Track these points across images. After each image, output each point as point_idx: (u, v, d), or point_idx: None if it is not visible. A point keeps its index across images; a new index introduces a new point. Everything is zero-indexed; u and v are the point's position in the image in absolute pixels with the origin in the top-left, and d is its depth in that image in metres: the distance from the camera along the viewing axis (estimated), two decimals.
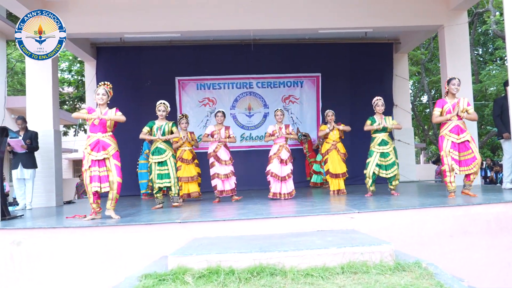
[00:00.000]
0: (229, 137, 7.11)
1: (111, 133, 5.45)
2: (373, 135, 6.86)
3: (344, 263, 3.42)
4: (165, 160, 6.37)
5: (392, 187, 6.87)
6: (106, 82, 5.57)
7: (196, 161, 7.76)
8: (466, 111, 6.00)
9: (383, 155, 6.74)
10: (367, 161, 6.82)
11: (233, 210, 5.76)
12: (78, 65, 17.35)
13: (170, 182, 6.38)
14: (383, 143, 6.74)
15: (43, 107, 8.07)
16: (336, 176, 7.52)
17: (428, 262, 3.44)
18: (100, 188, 5.26)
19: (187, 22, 8.63)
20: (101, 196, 5.41)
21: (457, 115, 5.94)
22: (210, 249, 3.76)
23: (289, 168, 7.09)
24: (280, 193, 7.02)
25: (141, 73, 10.90)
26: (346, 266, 3.35)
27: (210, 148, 7.10)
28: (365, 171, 6.84)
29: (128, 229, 4.71)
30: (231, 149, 7.37)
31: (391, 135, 6.83)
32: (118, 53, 10.91)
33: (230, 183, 7.05)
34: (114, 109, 5.50)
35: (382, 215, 4.89)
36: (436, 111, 6.11)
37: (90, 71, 11.02)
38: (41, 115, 8.05)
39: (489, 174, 14.68)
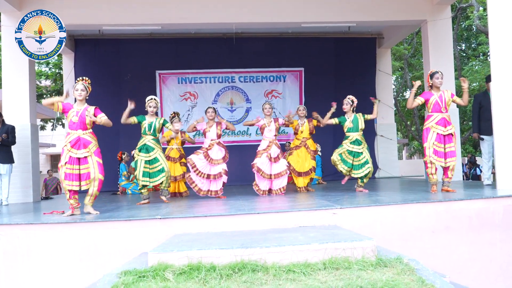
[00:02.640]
0: (226, 128, 6.96)
1: (91, 130, 5.36)
2: (347, 134, 6.79)
3: (326, 259, 3.41)
4: (156, 157, 6.26)
5: (362, 184, 6.79)
6: (84, 78, 5.43)
7: (183, 160, 7.59)
8: (453, 101, 6.07)
9: (357, 155, 6.68)
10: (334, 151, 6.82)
11: (214, 206, 5.70)
12: (56, 57, 17.00)
13: (164, 176, 6.23)
14: (356, 142, 6.68)
15: (19, 100, 7.90)
16: (299, 174, 7.34)
17: (410, 257, 3.44)
18: (80, 187, 5.18)
19: (168, 15, 8.52)
20: (80, 192, 5.30)
21: (445, 107, 5.98)
22: (191, 245, 3.72)
23: (282, 165, 6.90)
24: (270, 189, 6.90)
25: (121, 66, 10.77)
26: (328, 262, 3.34)
27: (205, 143, 6.81)
28: (331, 158, 6.79)
29: (107, 225, 4.63)
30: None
31: (364, 135, 6.82)
32: (97, 46, 10.74)
33: (218, 184, 6.70)
34: (93, 108, 5.36)
35: (364, 211, 4.90)
36: (417, 99, 6.18)
37: (68, 64, 10.82)
38: (17, 108, 7.87)
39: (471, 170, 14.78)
